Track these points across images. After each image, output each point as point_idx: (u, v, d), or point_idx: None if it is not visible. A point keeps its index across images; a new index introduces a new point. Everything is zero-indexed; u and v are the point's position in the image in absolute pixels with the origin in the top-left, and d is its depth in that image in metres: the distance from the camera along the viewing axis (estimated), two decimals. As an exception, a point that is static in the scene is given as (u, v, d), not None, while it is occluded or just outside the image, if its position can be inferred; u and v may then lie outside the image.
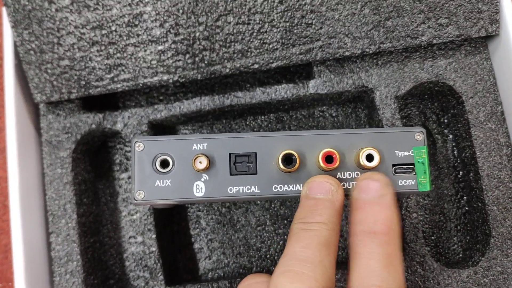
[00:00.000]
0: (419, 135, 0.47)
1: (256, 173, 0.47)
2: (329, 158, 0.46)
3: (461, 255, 0.63)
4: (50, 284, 0.63)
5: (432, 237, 0.65)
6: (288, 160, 0.46)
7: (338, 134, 0.47)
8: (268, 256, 0.66)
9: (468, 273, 0.58)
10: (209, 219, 0.67)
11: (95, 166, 0.68)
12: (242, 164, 0.47)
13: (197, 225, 0.67)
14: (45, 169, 0.63)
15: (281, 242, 0.66)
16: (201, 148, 0.47)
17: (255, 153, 0.47)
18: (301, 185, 0.46)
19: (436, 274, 0.58)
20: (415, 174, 0.47)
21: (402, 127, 0.61)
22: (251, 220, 0.66)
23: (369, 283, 0.40)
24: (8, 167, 0.60)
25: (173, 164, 0.47)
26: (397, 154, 0.47)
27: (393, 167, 0.47)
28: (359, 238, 0.42)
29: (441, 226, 0.65)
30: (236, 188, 0.47)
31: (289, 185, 0.46)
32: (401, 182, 0.47)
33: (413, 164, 0.47)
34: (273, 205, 0.66)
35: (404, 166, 0.47)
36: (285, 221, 0.66)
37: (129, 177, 0.67)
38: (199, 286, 0.59)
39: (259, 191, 0.46)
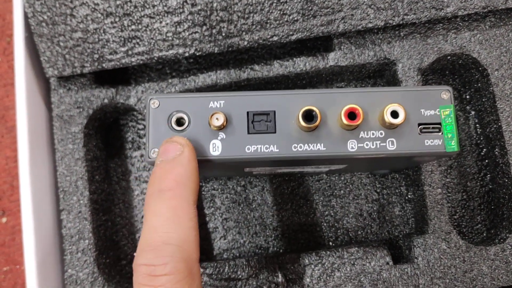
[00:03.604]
0: (446, 94, 0.45)
1: (275, 132, 0.45)
2: (352, 115, 0.43)
3: (484, 235, 0.62)
4: (61, 263, 0.61)
5: (455, 216, 0.63)
6: (308, 116, 0.44)
7: (362, 92, 0.45)
8: (285, 236, 0.64)
9: (495, 250, 0.56)
10: (224, 198, 0.65)
11: (107, 144, 0.66)
12: (260, 123, 0.45)
13: (211, 204, 0.65)
14: (56, 144, 0.61)
15: (298, 221, 0.64)
16: (218, 106, 0.45)
17: (274, 111, 0.45)
18: (322, 144, 0.44)
19: (462, 251, 0.56)
20: (442, 134, 0.45)
21: (428, 85, 0.59)
22: (267, 199, 0.64)
23: (151, 239, 0.39)
24: (18, 144, 0.59)
25: (189, 122, 0.45)
26: (423, 113, 0.45)
27: (418, 126, 0.45)
28: (147, 200, 0.42)
29: (464, 205, 0.63)
30: (254, 147, 0.45)
31: (310, 144, 0.44)
32: (427, 142, 0.45)
33: (439, 124, 0.45)
34: (291, 184, 0.65)
35: (431, 126, 0.45)
36: (303, 200, 0.64)
37: (141, 155, 0.66)
38: (215, 264, 0.57)
39: (278, 150, 0.44)
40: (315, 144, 0.44)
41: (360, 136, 0.44)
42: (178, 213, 0.40)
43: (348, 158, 0.46)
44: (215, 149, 0.44)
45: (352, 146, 0.44)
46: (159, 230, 0.39)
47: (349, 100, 0.44)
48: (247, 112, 0.45)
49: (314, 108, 0.43)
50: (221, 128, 0.44)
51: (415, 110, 0.45)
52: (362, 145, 0.44)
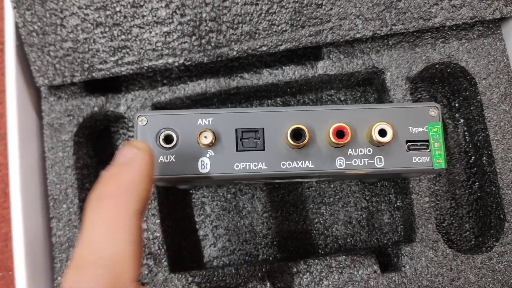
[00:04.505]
0: (434, 111, 0.45)
1: (263, 149, 0.45)
2: (340, 133, 0.44)
3: (473, 242, 0.62)
4: (51, 271, 0.61)
5: (443, 224, 0.63)
6: (297, 135, 0.44)
7: (350, 109, 0.46)
8: (275, 243, 0.64)
9: (482, 258, 0.57)
10: (214, 206, 0.65)
11: (97, 151, 0.66)
12: (249, 140, 0.45)
13: (202, 212, 0.65)
14: (46, 152, 0.61)
15: (288, 229, 0.64)
16: (207, 123, 0.45)
17: (263, 128, 0.45)
18: (310, 161, 0.45)
19: (449, 259, 0.57)
20: (430, 151, 0.45)
21: (416, 102, 0.59)
22: (257, 207, 0.65)
23: (79, 257, 0.35)
24: (9, 152, 0.59)
25: (177, 139, 0.45)
26: (411, 130, 0.45)
27: (406, 143, 0.45)
28: (85, 207, 0.38)
29: (452, 213, 0.63)
30: (242, 165, 0.45)
31: (298, 162, 0.45)
32: (415, 160, 0.45)
33: (427, 141, 0.45)
34: (281, 191, 0.65)
35: (418, 143, 0.45)
36: (293, 208, 0.65)
37: (132, 163, 0.66)
38: (204, 272, 0.57)
39: (266, 167, 0.45)
40: (303, 162, 0.45)
41: (348, 153, 0.45)
42: (114, 225, 0.36)
43: (336, 174, 0.46)
44: (204, 166, 0.45)
45: (340, 163, 0.45)
46: (89, 246, 0.35)
47: (337, 118, 0.45)
48: (236, 129, 0.45)
49: (303, 127, 0.44)
50: (209, 145, 0.44)
51: (403, 127, 0.45)
52: (350, 162, 0.45)
